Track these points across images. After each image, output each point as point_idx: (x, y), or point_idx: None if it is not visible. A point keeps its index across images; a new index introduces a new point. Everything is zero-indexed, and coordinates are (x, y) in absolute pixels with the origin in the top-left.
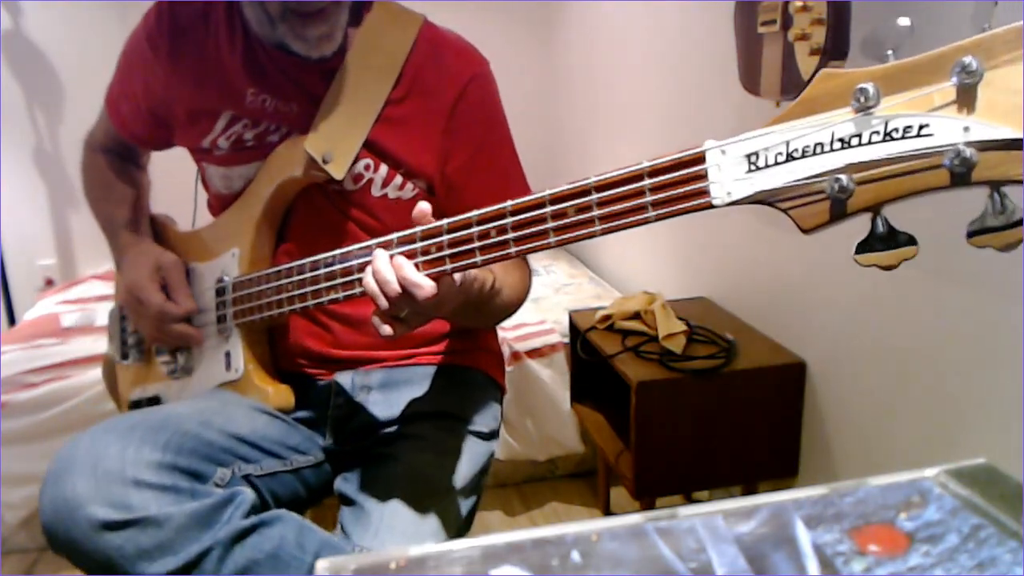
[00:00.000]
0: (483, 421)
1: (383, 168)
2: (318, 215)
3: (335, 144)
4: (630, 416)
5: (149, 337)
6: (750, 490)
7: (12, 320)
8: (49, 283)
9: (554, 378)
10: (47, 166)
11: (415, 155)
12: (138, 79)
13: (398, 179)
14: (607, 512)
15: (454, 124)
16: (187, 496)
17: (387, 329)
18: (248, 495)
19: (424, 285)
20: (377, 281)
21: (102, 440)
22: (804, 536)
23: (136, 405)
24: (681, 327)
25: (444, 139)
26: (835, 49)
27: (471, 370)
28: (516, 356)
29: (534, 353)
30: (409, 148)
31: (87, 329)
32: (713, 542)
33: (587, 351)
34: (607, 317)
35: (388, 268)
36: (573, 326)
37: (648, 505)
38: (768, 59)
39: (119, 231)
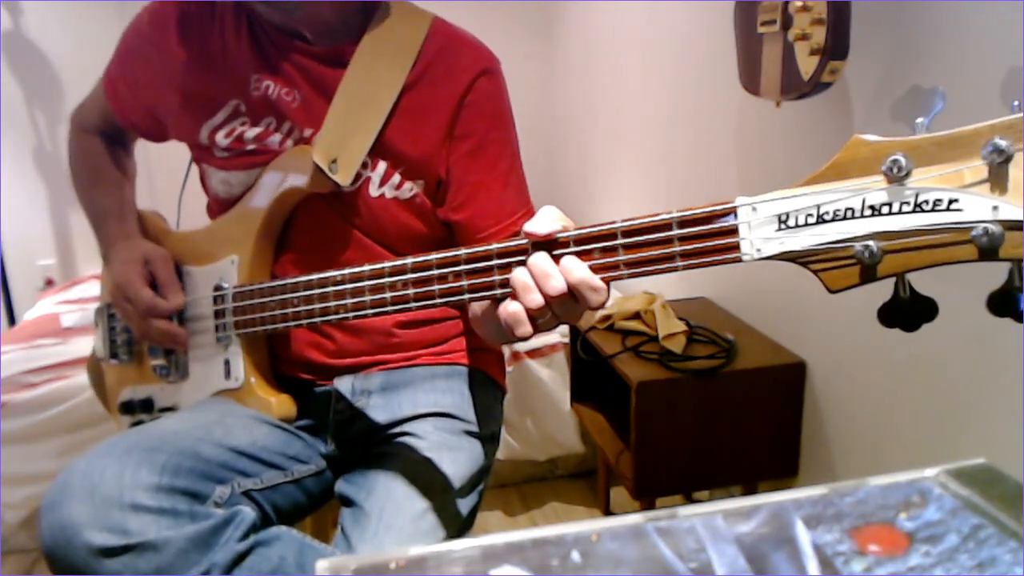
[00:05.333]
0: (483, 421)
1: (381, 165)
2: (317, 218)
3: (343, 148)
4: (630, 416)
5: (137, 334)
6: (750, 490)
7: (12, 320)
8: (49, 283)
9: (554, 378)
10: (47, 166)
11: (419, 147)
12: (140, 64)
13: (396, 177)
14: (607, 512)
15: (460, 115)
16: (186, 518)
17: (528, 329)
18: (248, 514)
19: (602, 288)
20: (534, 275)
21: (98, 464)
22: (804, 536)
23: (127, 406)
24: (681, 327)
25: (449, 130)
26: (835, 49)
27: (471, 370)
28: (516, 356)
29: (534, 353)
30: (414, 140)
31: (87, 329)
32: (713, 542)
33: (587, 351)
34: (607, 317)
35: (550, 264)
36: (573, 326)
37: (648, 505)
38: (768, 59)
39: (107, 220)
